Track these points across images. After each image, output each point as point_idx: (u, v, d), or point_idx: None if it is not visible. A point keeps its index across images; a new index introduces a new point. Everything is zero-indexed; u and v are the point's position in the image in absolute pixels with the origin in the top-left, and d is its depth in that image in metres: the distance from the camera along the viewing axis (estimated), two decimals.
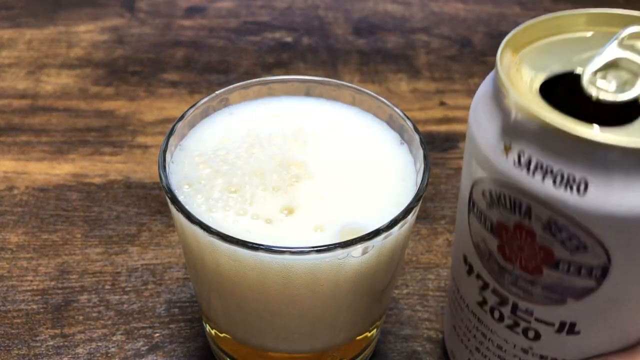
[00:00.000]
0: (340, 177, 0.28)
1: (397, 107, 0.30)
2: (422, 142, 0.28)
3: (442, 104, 0.53)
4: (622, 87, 0.21)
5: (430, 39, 0.61)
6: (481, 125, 0.22)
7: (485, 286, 0.25)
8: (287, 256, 0.24)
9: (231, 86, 0.31)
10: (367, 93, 0.31)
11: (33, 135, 0.48)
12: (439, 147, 0.48)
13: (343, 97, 0.32)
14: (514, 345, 0.26)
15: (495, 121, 0.22)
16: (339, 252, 0.24)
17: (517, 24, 0.24)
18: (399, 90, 0.54)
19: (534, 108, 0.20)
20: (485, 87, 0.23)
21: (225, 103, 0.31)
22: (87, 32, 0.60)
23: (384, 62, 0.58)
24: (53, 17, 0.62)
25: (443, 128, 0.50)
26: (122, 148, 0.47)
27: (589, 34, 0.24)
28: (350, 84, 0.32)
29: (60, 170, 0.45)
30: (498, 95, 0.22)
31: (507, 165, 0.21)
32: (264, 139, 0.30)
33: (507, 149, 0.21)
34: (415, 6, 0.66)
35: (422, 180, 0.27)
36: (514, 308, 0.25)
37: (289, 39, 0.60)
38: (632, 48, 0.22)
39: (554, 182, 0.20)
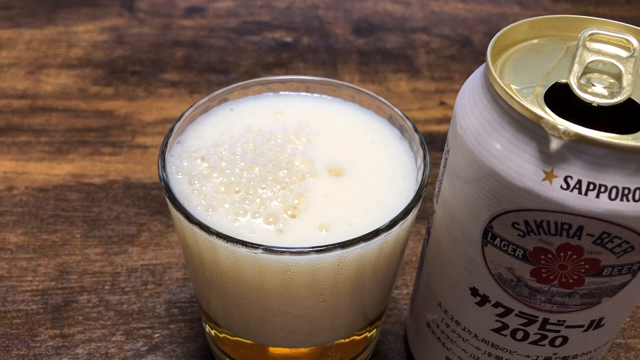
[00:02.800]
0: (344, 175, 0.28)
1: (397, 107, 0.30)
2: (422, 142, 0.28)
3: (442, 103, 0.53)
4: (611, 89, 0.21)
5: (430, 39, 0.61)
6: (505, 159, 0.21)
7: (506, 312, 0.25)
8: (286, 256, 0.24)
9: (230, 86, 0.31)
10: (366, 93, 0.31)
11: (33, 136, 0.48)
12: (439, 147, 0.48)
13: (343, 97, 0.32)
14: (537, 357, 0.26)
15: (528, 151, 0.21)
16: (339, 252, 0.24)
17: None
18: (398, 90, 0.54)
19: (585, 133, 0.20)
20: (484, 119, 0.22)
21: (225, 102, 0.31)
22: (87, 32, 0.60)
23: (383, 61, 0.58)
24: (52, 17, 0.62)
25: (443, 128, 0.50)
26: (122, 148, 0.47)
27: (555, 40, 0.24)
28: (349, 84, 0.32)
29: (59, 170, 0.45)
30: (524, 125, 0.21)
31: (554, 191, 0.20)
32: (265, 136, 0.30)
33: (550, 176, 0.20)
34: (415, 6, 0.66)
35: (422, 180, 0.27)
36: (544, 323, 0.25)
37: (288, 39, 0.60)
38: (599, 51, 0.23)
39: (610, 197, 0.20)
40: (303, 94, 0.32)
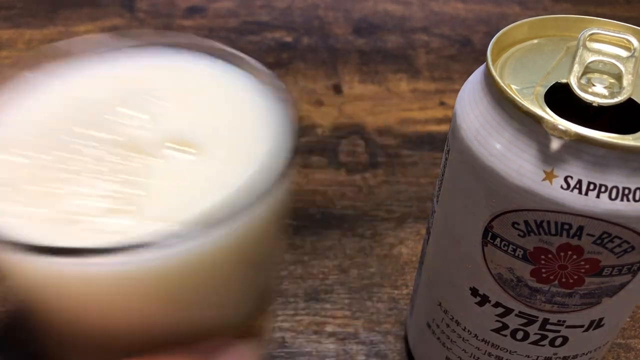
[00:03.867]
0: (196, 150, 0.22)
1: (259, 63, 0.24)
2: (285, 98, 0.23)
3: (441, 103, 0.53)
4: (611, 89, 0.22)
5: (430, 39, 0.61)
6: (505, 159, 0.21)
7: (506, 312, 0.25)
8: (93, 259, 0.17)
9: (44, 49, 0.24)
10: (224, 49, 0.25)
11: None
12: (439, 147, 0.48)
13: (196, 54, 0.25)
14: (537, 357, 0.26)
15: (528, 151, 0.21)
16: (179, 250, 0.18)
17: None
18: (398, 90, 0.54)
19: (585, 133, 0.20)
20: (484, 119, 0.22)
21: (36, 71, 0.24)
22: (87, 32, 0.60)
23: (383, 62, 0.58)
24: (53, 17, 0.62)
25: (443, 128, 0.50)
26: None
27: (555, 40, 0.24)
28: (201, 39, 0.26)
29: None
30: (524, 125, 0.21)
31: (554, 191, 0.20)
32: (92, 109, 0.23)
33: (550, 176, 0.20)
34: (415, 6, 0.66)
35: (285, 144, 0.21)
36: (544, 323, 0.25)
37: (289, 39, 0.60)
38: (599, 51, 0.23)
39: (610, 197, 0.20)
40: (142, 52, 0.25)
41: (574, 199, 0.20)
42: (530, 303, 0.24)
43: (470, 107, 0.23)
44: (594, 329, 0.25)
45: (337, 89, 0.54)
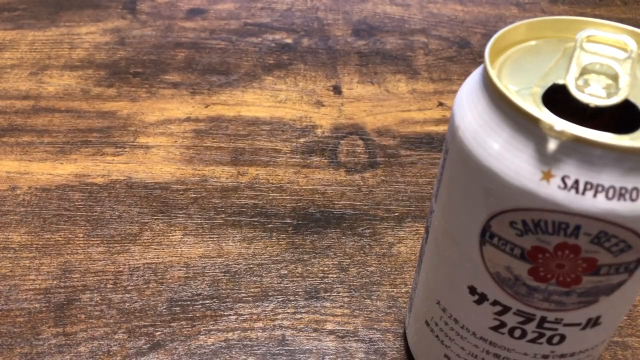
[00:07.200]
0: None
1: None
2: None
3: (440, 104, 0.53)
4: (608, 90, 0.22)
5: (429, 40, 0.61)
6: (503, 159, 0.22)
7: (504, 310, 0.25)
8: None
9: None
10: None
11: (35, 136, 0.48)
12: (437, 148, 0.48)
13: None
14: (535, 355, 0.26)
15: (526, 151, 0.21)
16: None
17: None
18: (397, 91, 0.54)
19: (582, 133, 0.20)
20: (482, 119, 0.23)
21: None
22: (89, 34, 0.61)
23: (383, 63, 0.58)
24: (55, 19, 0.62)
25: (441, 128, 0.50)
26: (124, 148, 0.47)
27: (552, 41, 0.25)
28: None
29: (62, 170, 0.45)
30: (522, 125, 0.21)
31: (551, 191, 0.21)
32: None
33: (547, 176, 0.21)
34: (414, 8, 0.66)
35: None
36: (542, 322, 0.25)
37: (289, 41, 0.61)
38: (596, 53, 0.23)
39: (607, 196, 0.20)
40: None
41: (571, 199, 0.20)
42: (528, 301, 0.24)
43: (469, 108, 0.23)
44: (591, 327, 0.25)
45: (337, 90, 0.54)
